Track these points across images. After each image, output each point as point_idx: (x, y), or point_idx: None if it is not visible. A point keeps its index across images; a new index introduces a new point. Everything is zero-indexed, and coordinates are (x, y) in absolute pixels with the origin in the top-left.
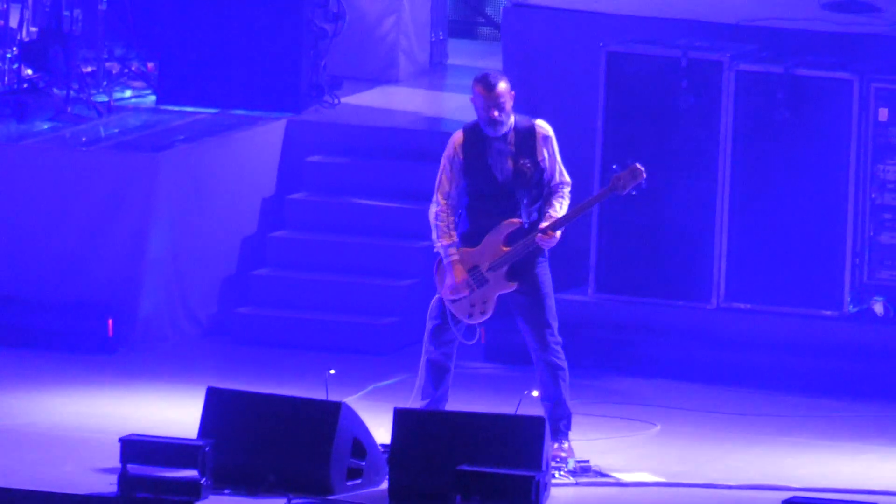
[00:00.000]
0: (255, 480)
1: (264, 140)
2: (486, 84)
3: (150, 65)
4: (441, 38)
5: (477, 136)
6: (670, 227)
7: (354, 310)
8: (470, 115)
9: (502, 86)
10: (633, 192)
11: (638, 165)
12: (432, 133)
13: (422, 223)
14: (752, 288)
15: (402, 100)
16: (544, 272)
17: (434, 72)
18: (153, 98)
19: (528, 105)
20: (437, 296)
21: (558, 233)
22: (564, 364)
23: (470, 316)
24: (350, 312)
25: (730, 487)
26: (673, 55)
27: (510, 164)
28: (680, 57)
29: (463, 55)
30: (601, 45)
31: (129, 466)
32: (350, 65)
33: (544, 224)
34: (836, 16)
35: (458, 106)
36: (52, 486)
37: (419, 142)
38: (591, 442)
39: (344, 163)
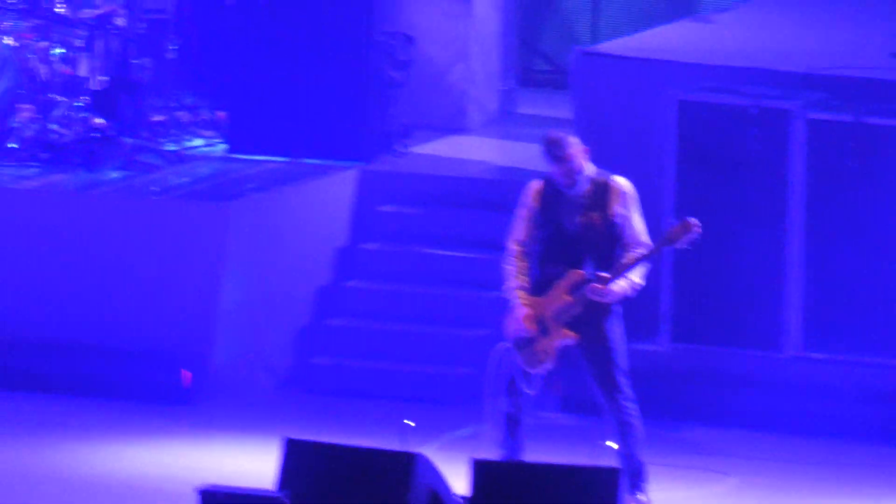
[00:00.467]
0: None
1: (336, 189)
2: (554, 146)
3: (221, 113)
4: (510, 86)
5: (552, 188)
6: (742, 275)
7: (427, 359)
8: (540, 165)
9: (572, 146)
10: (687, 246)
11: (690, 220)
12: (503, 182)
13: (493, 273)
14: (828, 337)
15: (471, 149)
16: (613, 326)
17: (503, 121)
18: (223, 147)
19: (596, 153)
20: (505, 344)
21: (616, 285)
22: (635, 420)
23: (533, 365)
24: (423, 362)
25: None
26: (743, 104)
27: (581, 216)
28: (749, 105)
29: (532, 104)
30: (672, 93)
31: None
32: (419, 113)
33: (603, 275)
34: None
35: (528, 155)
36: None
37: (490, 191)
38: (667, 493)
39: (415, 212)
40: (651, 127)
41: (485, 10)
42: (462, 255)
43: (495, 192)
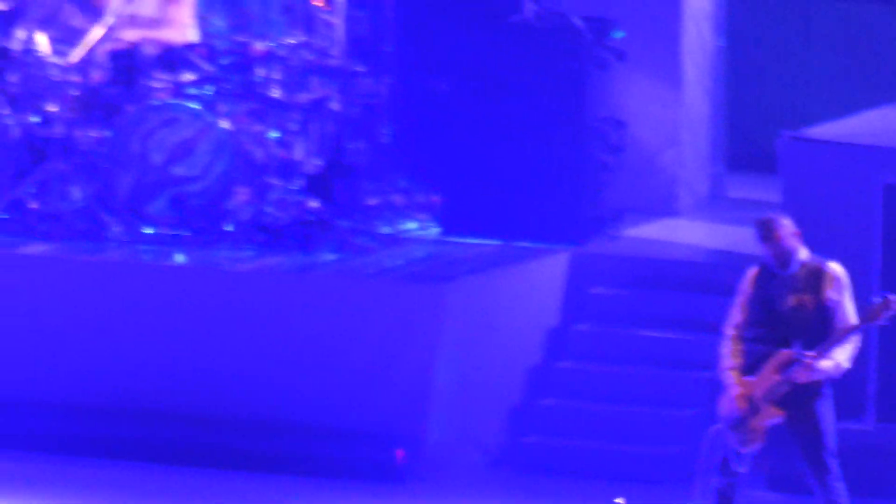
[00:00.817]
0: None
1: (548, 271)
2: (766, 227)
3: (434, 197)
4: (719, 170)
5: (768, 272)
6: None
7: (637, 439)
8: (749, 247)
9: (783, 227)
10: (888, 322)
11: (890, 297)
12: (714, 265)
13: (702, 353)
14: None
15: (681, 232)
16: (822, 407)
17: (714, 204)
18: (437, 229)
19: (804, 236)
20: (718, 425)
21: (822, 365)
22: (843, 500)
23: (743, 444)
24: (634, 442)
25: None
26: None
27: (793, 299)
28: None
29: (741, 187)
30: (877, 177)
31: None
32: (630, 197)
33: (811, 354)
34: None
35: (739, 239)
36: None
37: (699, 273)
38: None
39: (626, 294)
40: (857, 209)
41: (694, 96)
42: (672, 336)
43: (705, 274)
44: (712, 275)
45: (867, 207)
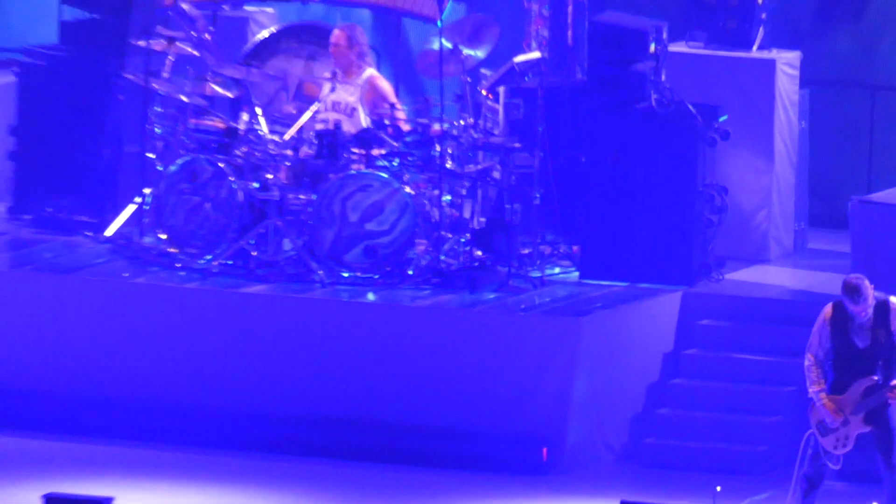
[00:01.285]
0: None
1: (664, 307)
2: (855, 293)
3: (575, 247)
4: (803, 227)
5: (842, 312)
6: None
7: (735, 440)
8: (825, 288)
9: (868, 290)
10: None
11: None
12: (797, 303)
13: (788, 373)
14: None
15: (772, 276)
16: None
17: (797, 254)
18: (577, 274)
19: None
20: (809, 430)
21: None
22: None
23: (835, 448)
24: (731, 442)
25: None
26: None
27: (869, 335)
28: None
29: (819, 240)
30: None
31: None
32: (730, 248)
33: (894, 382)
34: None
35: (816, 282)
36: None
37: (786, 309)
38: None
39: (727, 325)
40: None
41: (783, 167)
42: (761, 358)
43: (791, 309)
44: (795, 311)
45: None
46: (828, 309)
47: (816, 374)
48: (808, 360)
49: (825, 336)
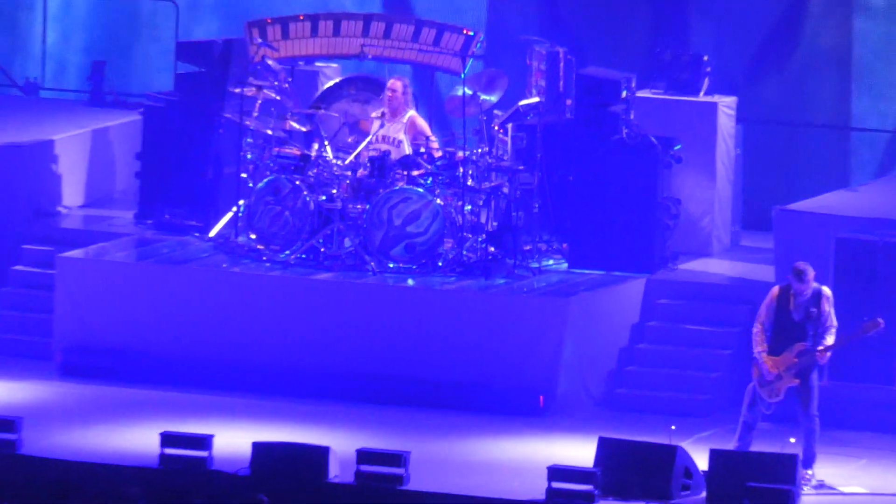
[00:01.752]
0: (627, 493)
1: (633, 289)
2: (802, 275)
3: (564, 245)
4: (737, 229)
5: (786, 292)
6: None
7: (686, 391)
8: (757, 276)
9: (810, 274)
10: (873, 335)
11: (879, 320)
12: (733, 287)
13: (728, 340)
14: None
15: (714, 267)
16: (815, 377)
17: (733, 250)
18: (566, 265)
19: (788, 274)
20: (751, 383)
21: (828, 354)
22: (816, 431)
23: (769, 397)
24: (684, 392)
25: None
26: (872, 240)
27: (804, 312)
28: (877, 240)
29: (752, 240)
30: (832, 234)
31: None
32: (682, 244)
33: (821, 348)
34: None
35: (748, 270)
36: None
37: (726, 292)
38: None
39: (680, 304)
40: (822, 252)
41: (722, 183)
42: (707, 329)
43: (728, 291)
44: (731, 292)
45: (826, 252)
46: (775, 289)
47: (761, 339)
48: (757, 327)
49: (771, 310)
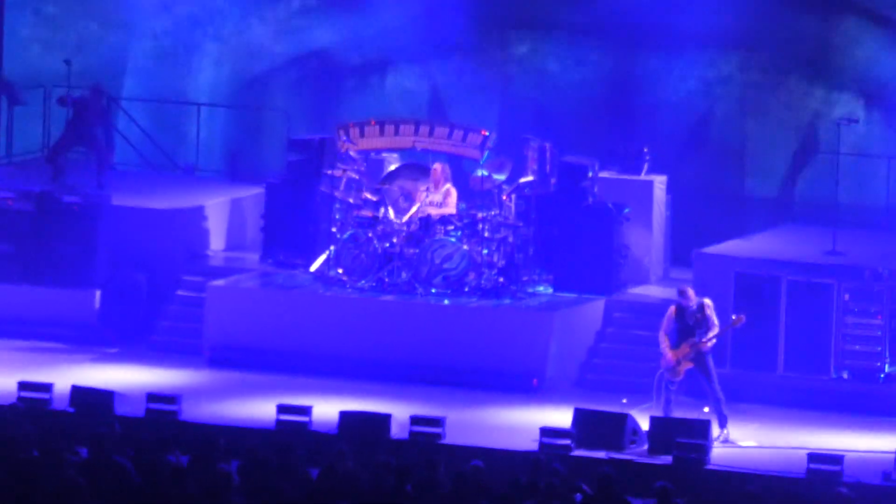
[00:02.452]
0: (593, 445)
1: (597, 306)
2: (684, 295)
3: (550, 276)
4: (667, 265)
5: (680, 308)
6: None
7: (633, 375)
8: (675, 298)
9: (691, 292)
10: (738, 327)
11: (742, 315)
12: (665, 304)
13: (657, 342)
14: None
15: (651, 291)
16: (710, 360)
17: (665, 279)
18: (552, 290)
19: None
20: (660, 370)
21: (711, 342)
22: (721, 400)
23: (673, 377)
24: (631, 376)
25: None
26: (768, 274)
27: (693, 318)
28: (774, 276)
29: (678, 273)
30: (732, 269)
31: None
32: (630, 276)
33: (704, 339)
34: None
35: (674, 293)
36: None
37: (660, 307)
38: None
39: (629, 316)
40: (725, 282)
41: (657, 234)
42: (648, 333)
43: (662, 307)
44: (665, 308)
45: (728, 285)
46: (672, 307)
47: (664, 340)
48: (662, 333)
49: (671, 320)
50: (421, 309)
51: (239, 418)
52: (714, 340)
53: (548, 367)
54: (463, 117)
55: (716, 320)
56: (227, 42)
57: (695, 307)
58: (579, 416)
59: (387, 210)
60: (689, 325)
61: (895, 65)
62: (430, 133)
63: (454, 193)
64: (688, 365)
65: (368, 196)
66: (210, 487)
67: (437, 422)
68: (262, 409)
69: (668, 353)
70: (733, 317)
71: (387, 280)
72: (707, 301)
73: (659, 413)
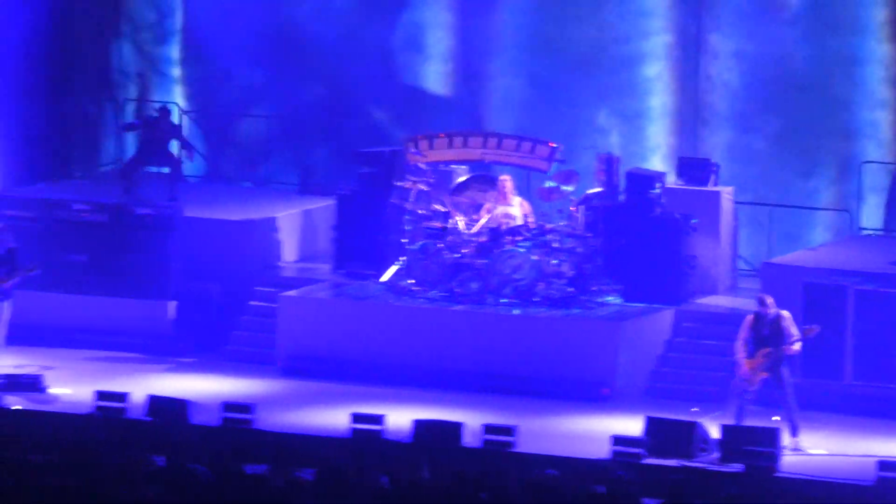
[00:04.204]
0: (664, 454)
1: (666, 316)
2: (765, 302)
3: (619, 286)
4: (736, 275)
5: (757, 316)
6: None
7: (704, 384)
8: (748, 306)
9: (770, 300)
10: (811, 337)
11: (815, 326)
12: (734, 314)
13: (729, 350)
14: None
15: (719, 301)
16: (785, 370)
17: (732, 290)
18: (621, 300)
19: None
20: (735, 379)
21: (794, 349)
22: (794, 409)
23: (749, 386)
24: (703, 384)
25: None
26: (837, 284)
27: (769, 328)
28: (844, 285)
29: (746, 283)
30: (801, 280)
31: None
32: (698, 286)
33: (785, 346)
34: None
35: (743, 304)
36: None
37: (729, 317)
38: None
39: (698, 325)
40: (793, 293)
41: (725, 244)
42: (717, 342)
43: (730, 317)
44: (732, 318)
45: (796, 295)
46: (750, 316)
47: (742, 349)
48: (739, 342)
49: (748, 328)
50: (491, 319)
51: (313, 427)
52: (796, 347)
53: (617, 376)
54: (528, 130)
55: (795, 331)
56: None
57: (772, 317)
58: (650, 424)
59: (456, 221)
60: (764, 336)
61: None
62: (499, 145)
63: (525, 205)
64: (763, 374)
65: (438, 207)
66: (286, 496)
67: (509, 430)
68: (335, 418)
69: (744, 363)
70: (805, 328)
71: (457, 290)
72: (784, 313)
73: (731, 421)
